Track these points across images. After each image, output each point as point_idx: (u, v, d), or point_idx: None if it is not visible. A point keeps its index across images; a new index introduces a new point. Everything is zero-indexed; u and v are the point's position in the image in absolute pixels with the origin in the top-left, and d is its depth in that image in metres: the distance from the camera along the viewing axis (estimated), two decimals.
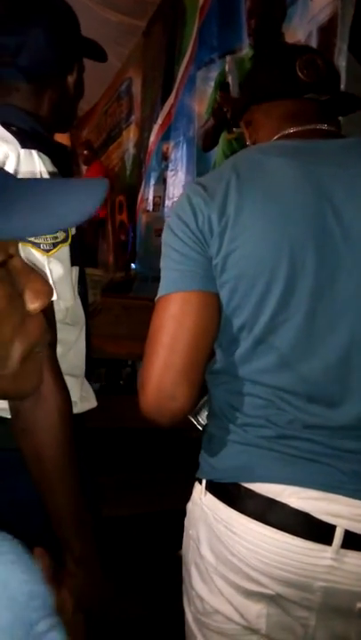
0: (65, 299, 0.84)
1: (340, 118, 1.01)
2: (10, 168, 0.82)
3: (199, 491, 0.88)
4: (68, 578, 0.82)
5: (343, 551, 0.78)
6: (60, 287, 0.82)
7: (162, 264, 0.86)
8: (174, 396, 0.80)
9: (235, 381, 0.84)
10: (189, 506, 0.91)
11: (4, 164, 0.83)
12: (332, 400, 0.80)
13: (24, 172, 0.82)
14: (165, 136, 4.60)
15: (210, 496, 0.85)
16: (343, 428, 0.80)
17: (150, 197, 4.86)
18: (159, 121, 4.72)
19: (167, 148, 4.54)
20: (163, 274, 0.85)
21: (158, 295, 0.84)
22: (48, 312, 0.82)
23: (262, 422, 0.82)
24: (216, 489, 0.85)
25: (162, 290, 0.84)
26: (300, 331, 0.80)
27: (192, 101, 3.87)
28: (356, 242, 0.80)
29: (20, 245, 0.79)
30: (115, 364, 3.85)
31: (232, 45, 3.22)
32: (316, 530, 0.78)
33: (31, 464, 0.82)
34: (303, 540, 0.78)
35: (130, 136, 5.74)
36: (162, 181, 4.65)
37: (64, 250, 0.83)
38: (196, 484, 0.90)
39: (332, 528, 0.78)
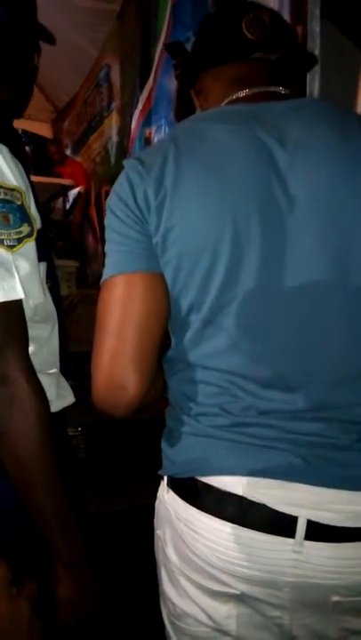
0: (33, 296, 0.81)
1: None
2: None
3: (162, 487, 0.86)
4: (59, 582, 0.81)
5: (307, 543, 0.73)
6: (28, 285, 0.79)
7: (106, 248, 0.81)
8: (124, 386, 0.75)
9: (187, 369, 0.79)
10: (156, 504, 0.88)
11: None
12: (290, 383, 0.75)
13: None
14: (147, 121, 4.53)
15: (171, 493, 0.82)
16: (302, 411, 0.74)
17: None
18: (140, 106, 4.65)
19: (150, 133, 4.47)
20: (106, 258, 0.81)
21: (102, 279, 0.79)
22: (17, 311, 0.79)
23: (216, 411, 0.77)
24: (176, 485, 0.82)
25: (105, 273, 0.79)
26: (248, 309, 0.74)
27: (171, 83, 3.79)
28: (301, 210, 0.74)
29: None
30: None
31: None
32: (276, 522, 0.73)
33: (10, 468, 0.80)
34: (264, 533, 0.74)
35: (112, 124, 5.66)
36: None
37: (29, 245, 0.80)
38: (161, 481, 0.87)
39: (293, 519, 0.73)
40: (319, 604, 0.75)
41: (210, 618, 0.79)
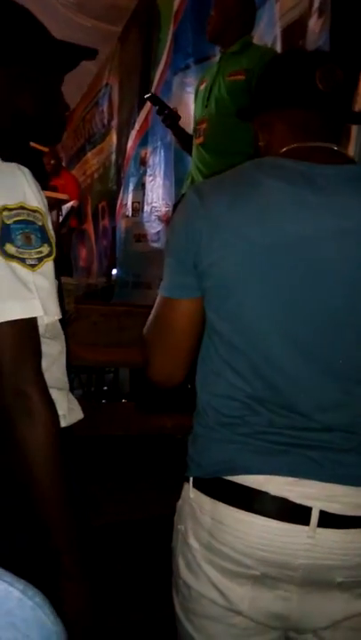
0: (51, 314, 0.83)
1: None
2: None
3: (187, 489, 0.95)
4: (65, 596, 0.83)
5: (320, 530, 0.85)
6: (46, 302, 0.81)
7: (165, 262, 0.96)
8: (174, 377, 0.98)
9: (216, 384, 0.92)
10: (179, 504, 0.98)
11: None
12: (301, 410, 0.88)
13: (3, 192, 0.80)
14: (143, 141, 4.61)
15: (197, 492, 0.93)
16: (312, 427, 0.88)
17: (129, 203, 4.87)
18: (136, 126, 4.73)
19: (145, 154, 4.55)
20: (165, 273, 0.96)
21: (161, 291, 0.97)
22: (34, 328, 0.81)
23: (239, 422, 0.90)
24: (202, 485, 0.92)
25: (163, 289, 0.97)
26: (269, 342, 0.88)
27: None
28: (329, 272, 0.86)
29: (2, 260, 0.77)
30: (97, 371, 3.85)
31: (207, 52, 3.24)
32: (293, 512, 0.86)
33: (21, 479, 0.82)
34: (283, 522, 0.86)
35: (112, 141, 5.74)
36: (141, 187, 4.66)
37: (49, 264, 0.83)
38: (185, 483, 0.96)
39: (308, 510, 0.85)
40: (326, 582, 0.88)
41: (226, 598, 0.89)
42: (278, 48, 2.70)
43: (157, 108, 2.82)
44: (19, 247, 0.79)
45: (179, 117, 2.84)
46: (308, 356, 0.87)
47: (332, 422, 0.88)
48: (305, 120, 0.95)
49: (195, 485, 0.93)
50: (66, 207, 6.02)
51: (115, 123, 5.56)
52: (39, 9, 1.09)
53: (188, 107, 3.27)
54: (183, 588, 0.94)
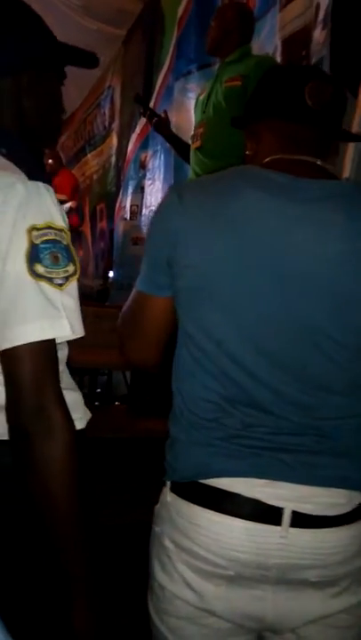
0: (76, 332, 0.82)
1: None
2: (16, 204, 0.79)
3: (165, 492, 0.97)
4: (77, 611, 0.84)
5: (292, 530, 0.88)
6: (72, 321, 0.81)
7: (144, 258, 0.99)
8: (144, 362, 1.06)
9: (191, 387, 0.94)
10: (157, 507, 1.00)
11: (8, 200, 0.79)
12: (272, 411, 0.90)
13: (31, 211, 0.80)
14: (144, 145, 4.62)
15: (173, 495, 0.94)
16: (284, 429, 0.90)
17: (128, 206, 4.88)
18: (137, 130, 4.75)
19: (145, 157, 4.56)
20: (142, 268, 0.98)
21: (136, 284, 1.00)
22: (55, 346, 0.81)
23: (214, 425, 0.91)
24: (178, 488, 0.94)
25: (138, 282, 1.00)
26: (236, 346, 0.90)
27: (170, 112, 3.89)
28: (299, 279, 0.88)
29: (32, 280, 0.78)
30: (91, 373, 3.84)
31: (209, 58, 3.25)
32: (266, 513, 0.88)
33: (39, 503, 0.82)
34: (256, 523, 0.88)
35: (112, 144, 5.75)
36: (140, 190, 4.67)
37: (74, 283, 0.83)
38: (163, 487, 0.98)
39: (280, 510, 0.88)
40: (299, 582, 0.90)
41: (200, 598, 0.91)
42: (278, 58, 2.72)
43: (142, 109, 2.87)
44: (47, 267, 0.79)
45: (167, 121, 2.87)
46: (278, 364, 0.89)
47: (304, 426, 0.90)
48: (293, 133, 0.96)
49: (172, 489, 0.95)
50: (65, 207, 6.03)
51: (116, 125, 5.57)
52: (44, 10, 1.08)
53: (190, 112, 3.29)
54: (158, 590, 0.96)
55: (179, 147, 2.94)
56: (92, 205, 6.13)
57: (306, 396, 0.90)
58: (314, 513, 0.88)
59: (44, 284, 0.79)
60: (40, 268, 0.79)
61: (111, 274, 5.14)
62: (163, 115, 2.95)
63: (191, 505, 0.91)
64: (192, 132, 2.79)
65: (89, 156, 6.47)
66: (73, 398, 0.85)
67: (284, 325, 0.88)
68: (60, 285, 0.80)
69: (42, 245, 0.79)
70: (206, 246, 0.89)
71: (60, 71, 0.99)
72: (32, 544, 0.85)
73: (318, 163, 0.95)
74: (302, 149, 0.95)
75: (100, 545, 0.90)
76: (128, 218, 4.85)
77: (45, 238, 0.80)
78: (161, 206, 0.97)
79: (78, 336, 0.84)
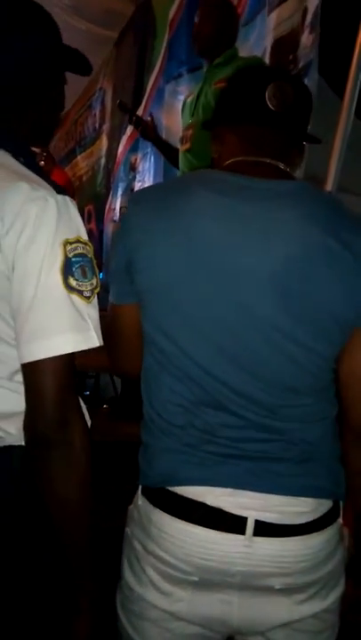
0: (100, 342, 0.84)
1: None
2: (52, 218, 0.80)
3: (137, 495, 0.99)
4: (81, 617, 0.88)
5: (255, 538, 0.88)
6: (97, 332, 0.84)
7: (109, 274, 1.01)
8: (128, 371, 1.08)
9: (157, 390, 0.94)
10: (130, 508, 1.01)
11: (44, 214, 0.80)
12: (237, 413, 0.90)
13: (63, 225, 0.81)
14: (134, 147, 4.60)
15: (144, 499, 0.96)
16: (247, 439, 0.90)
17: (117, 208, 4.86)
18: (127, 132, 4.73)
19: (135, 160, 4.55)
20: (110, 284, 1.01)
21: (110, 299, 1.02)
22: (73, 358, 0.82)
23: (181, 432, 0.92)
24: (148, 493, 0.95)
25: (110, 297, 1.02)
26: (196, 344, 0.90)
27: (160, 114, 3.88)
28: (251, 276, 0.87)
29: (66, 293, 0.79)
30: (79, 375, 3.81)
31: (200, 61, 3.24)
32: (230, 522, 0.89)
33: (55, 512, 0.83)
34: (220, 532, 0.89)
35: (102, 145, 5.73)
36: (130, 192, 4.65)
37: (96, 296, 0.86)
38: (137, 490, 1.00)
39: (243, 519, 0.88)
40: (264, 587, 0.90)
41: (166, 600, 0.92)
42: (267, 61, 2.72)
43: (128, 115, 2.86)
44: (78, 280, 0.82)
45: (154, 126, 2.87)
46: (237, 363, 0.89)
47: (269, 429, 0.90)
48: (255, 136, 0.96)
49: (143, 493, 0.96)
50: None
51: (106, 127, 5.56)
52: None
53: (180, 115, 3.28)
54: (126, 590, 0.96)
55: (166, 151, 2.93)
56: (81, 207, 6.09)
57: (268, 395, 0.89)
58: (278, 522, 0.89)
59: (76, 297, 0.81)
60: (73, 282, 0.81)
61: (101, 276, 5.12)
62: (149, 119, 2.94)
63: (159, 511, 0.92)
64: (180, 135, 2.78)
65: (79, 157, 6.45)
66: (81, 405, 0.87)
67: (236, 323, 0.88)
68: (88, 298, 0.83)
69: (74, 259, 0.82)
70: (159, 248, 0.89)
71: (64, 75, 1.00)
72: (39, 547, 0.87)
73: (280, 166, 0.94)
74: (264, 152, 0.95)
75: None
76: (117, 220, 4.83)
77: (76, 252, 0.82)
78: (122, 217, 0.98)
79: (101, 345, 0.86)
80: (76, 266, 0.81)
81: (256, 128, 0.96)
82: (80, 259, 0.82)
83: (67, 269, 0.80)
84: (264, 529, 0.88)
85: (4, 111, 0.90)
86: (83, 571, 0.86)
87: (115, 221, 4.89)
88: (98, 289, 0.85)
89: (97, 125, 5.91)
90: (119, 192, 4.92)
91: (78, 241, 0.83)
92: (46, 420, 0.79)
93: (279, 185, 0.92)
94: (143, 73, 4.54)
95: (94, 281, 0.84)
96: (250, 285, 0.87)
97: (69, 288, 0.80)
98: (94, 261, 0.86)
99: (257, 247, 0.87)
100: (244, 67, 1.07)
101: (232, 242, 0.88)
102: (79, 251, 0.82)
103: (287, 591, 0.90)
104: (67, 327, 0.79)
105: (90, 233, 6.27)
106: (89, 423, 0.91)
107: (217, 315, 0.88)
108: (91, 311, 0.83)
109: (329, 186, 1.82)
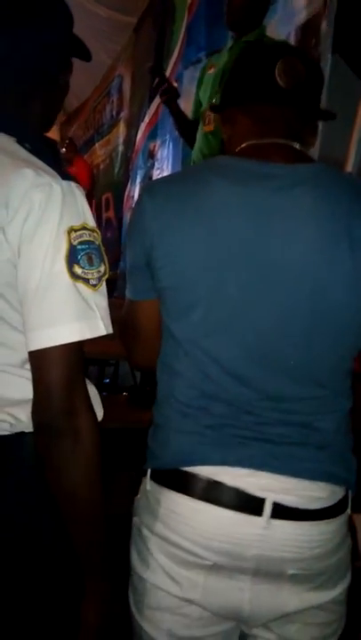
0: (108, 330, 0.83)
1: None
2: (57, 205, 0.79)
3: (144, 482, 0.96)
4: (91, 607, 0.87)
5: (273, 521, 0.87)
6: (105, 320, 0.83)
7: (127, 270, 0.98)
8: (146, 366, 1.04)
9: (175, 376, 0.93)
10: (136, 498, 0.99)
11: (49, 200, 0.79)
12: (259, 394, 0.89)
13: (68, 212, 0.80)
14: (152, 134, 4.58)
15: (153, 484, 0.93)
16: (267, 423, 0.89)
17: (136, 195, 4.85)
18: (146, 119, 4.71)
19: (154, 147, 4.53)
20: (127, 279, 0.98)
21: (127, 295, 1.00)
22: (81, 346, 0.81)
23: (199, 413, 0.90)
24: (159, 476, 0.93)
25: (127, 293, 1.00)
26: (220, 335, 0.88)
27: (179, 100, 3.85)
28: (275, 268, 0.86)
29: (71, 281, 0.79)
30: (99, 363, 3.84)
31: (219, 45, 3.19)
32: (248, 503, 0.87)
33: (64, 501, 0.83)
34: (237, 512, 0.87)
35: (119, 133, 5.72)
36: (148, 180, 4.64)
37: (105, 284, 0.85)
38: (143, 477, 0.97)
39: (262, 501, 0.87)
40: (277, 573, 0.89)
41: (179, 587, 0.90)
42: (293, 41, 2.67)
43: (157, 80, 2.77)
44: (83, 268, 0.80)
45: (177, 95, 2.77)
46: (258, 357, 0.88)
47: (289, 418, 0.89)
48: (266, 115, 0.93)
49: (152, 477, 0.94)
50: None
51: (124, 114, 5.53)
52: None
53: None
54: (137, 582, 0.95)
55: (183, 125, 2.83)
56: (98, 195, 6.10)
57: (291, 388, 0.88)
58: (296, 505, 0.87)
59: (81, 285, 0.80)
60: (78, 270, 0.80)
61: (121, 265, 5.12)
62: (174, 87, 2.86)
63: (172, 492, 0.90)
64: (193, 109, 2.71)
65: (97, 145, 6.44)
66: (92, 393, 0.86)
67: (259, 315, 0.86)
68: (95, 286, 0.82)
69: (79, 247, 0.80)
70: (179, 243, 0.87)
71: (71, 63, 0.99)
72: (51, 535, 0.86)
73: (296, 146, 0.92)
74: (277, 132, 0.92)
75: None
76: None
77: (82, 240, 0.81)
78: (134, 210, 0.95)
79: (108, 333, 0.85)
80: (82, 253, 0.80)
81: (267, 107, 0.93)
82: (86, 246, 0.81)
83: (72, 257, 0.79)
84: (282, 512, 0.87)
85: (14, 98, 0.90)
86: (92, 560, 0.86)
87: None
88: (106, 276, 0.84)
89: (114, 113, 5.89)
90: (138, 180, 4.90)
91: (84, 228, 0.81)
92: (52, 408, 0.79)
93: (298, 169, 0.90)
94: (162, 59, 4.49)
95: (102, 268, 0.83)
96: (277, 278, 0.86)
97: (75, 276, 0.79)
98: (102, 248, 0.85)
99: (282, 238, 0.85)
100: (251, 44, 1.02)
101: (256, 234, 0.86)
102: (85, 238, 0.81)
103: (298, 578, 0.89)
104: (72, 316, 0.79)
105: (108, 221, 6.26)
106: (101, 412, 0.91)
107: (240, 307, 0.87)
108: (98, 299, 0.82)
109: (349, 167, 1.78)
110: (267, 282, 0.86)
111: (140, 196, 0.95)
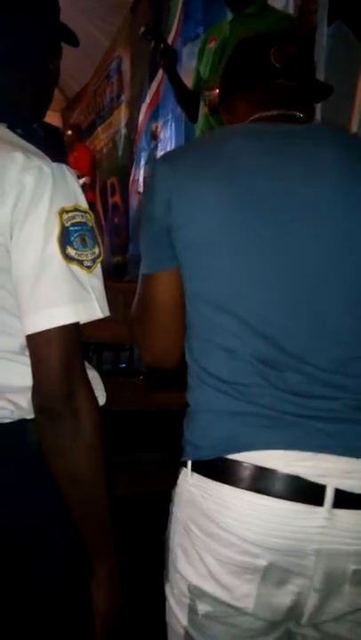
0: (104, 313, 0.82)
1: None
2: (48, 187, 0.79)
3: (185, 473, 0.89)
4: (100, 591, 0.86)
5: (335, 510, 0.79)
6: (101, 303, 0.82)
7: (141, 241, 0.95)
8: (165, 359, 0.96)
9: (210, 351, 0.86)
10: (176, 490, 0.91)
11: (39, 183, 0.78)
12: (302, 368, 0.82)
13: (59, 193, 0.80)
14: (154, 115, 4.53)
15: (197, 476, 0.86)
16: (317, 396, 0.82)
17: (141, 178, 4.81)
18: (147, 100, 4.65)
19: (156, 128, 4.48)
20: (142, 252, 0.94)
21: (141, 271, 0.94)
22: (78, 329, 0.81)
23: (240, 388, 0.83)
24: (203, 467, 0.86)
25: (140, 269, 0.94)
26: (255, 296, 0.84)
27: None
28: (299, 216, 0.84)
29: (64, 263, 0.78)
30: (113, 349, 3.86)
31: (217, 19, 3.14)
32: (307, 492, 0.79)
33: (65, 485, 0.82)
34: (295, 503, 0.79)
35: (121, 116, 5.66)
36: (152, 161, 4.60)
37: (99, 265, 0.84)
38: (182, 468, 0.90)
39: (322, 488, 0.79)
40: (340, 572, 0.81)
41: (231, 596, 0.82)
42: (292, 10, 2.60)
43: (153, 42, 2.73)
44: (77, 249, 0.80)
45: (175, 54, 2.72)
46: (300, 314, 0.83)
47: (342, 387, 0.82)
48: (266, 95, 0.96)
49: (193, 469, 0.86)
50: (80, 182, 5.98)
51: (125, 96, 5.47)
52: None
53: None
54: (180, 582, 0.87)
55: (182, 93, 2.77)
56: (103, 180, 6.07)
57: (331, 346, 0.82)
58: (358, 491, 0.79)
59: (75, 267, 0.80)
60: (71, 251, 0.79)
61: (129, 249, 5.11)
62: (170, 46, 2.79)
63: (218, 484, 0.82)
64: (192, 82, 2.62)
65: (99, 129, 6.39)
66: (91, 376, 0.85)
67: (291, 269, 0.83)
68: (89, 268, 0.81)
69: (71, 228, 0.80)
70: (201, 199, 0.85)
71: (61, 49, 0.99)
72: (58, 520, 0.85)
73: (298, 115, 0.95)
74: (280, 105, 0.95)
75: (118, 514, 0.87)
76: (142, 191, 4.79)
77: (74, 221, 0.80)
78: (151, 180, 0.93)
79: (105, 316, 0.84)
80: (75, 235, 0.79)
81: (266, 88, 0.97)
82: (79, 227, 0.80)
83: (64, 239, 0.78)
84: (344, 499, 0.79)
85: (3, 86, 0.90)
86: (98, 545, 0.85)
87: (139, 193, 4.84)
88: (100, 258, 0.83)
89: (115, 95, 5.82)
90: (142, 162, 4.86)
91: (76, 209, 0.80)
92: (51, 391, 0.79)
93: (311, 127, 0.93)
94: (160, 35, 4.42)
95: (96, 250, 0.82)
96: (305, 229, 0.83)
97: (68, 258, 0.78)
98: (96, 230, 0.84)
99: (305, 190, 0.85)
100: (244, 39, 1.06)
101: (279, 184, 0.86)
102: (77, 219, 0.80)
103: (358, 576, 0.81)
104: (67, 298, 0.78)
105: (115, 206, 6.22)
106: (104, 395, 0.90)
107: (272, 260, 0.83)
108: (93, 281, 0.81)
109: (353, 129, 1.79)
110: (297, 231, 0.83)
111: (152, 168, 0.95)
